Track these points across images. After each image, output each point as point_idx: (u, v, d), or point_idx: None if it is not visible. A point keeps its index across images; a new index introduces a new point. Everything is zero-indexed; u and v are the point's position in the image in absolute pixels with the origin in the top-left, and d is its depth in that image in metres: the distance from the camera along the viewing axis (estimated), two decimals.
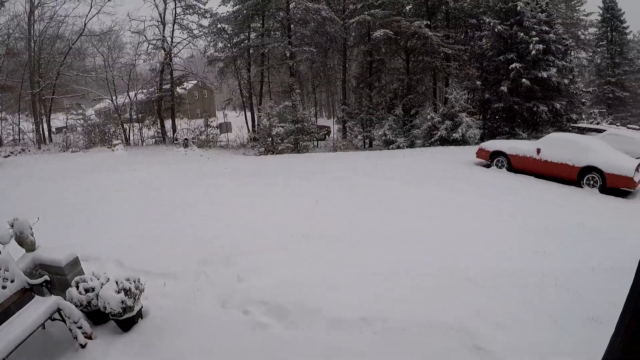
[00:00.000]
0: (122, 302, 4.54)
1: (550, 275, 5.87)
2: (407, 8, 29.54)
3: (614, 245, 7.64)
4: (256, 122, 30.23)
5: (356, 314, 4.84)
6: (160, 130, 31.00)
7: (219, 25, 30.96)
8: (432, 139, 24.44)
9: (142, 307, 4.91)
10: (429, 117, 25.07)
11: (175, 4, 30.17)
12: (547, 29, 25.63)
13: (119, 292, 4.59)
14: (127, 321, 4.69)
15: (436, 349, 4.31)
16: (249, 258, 6.61)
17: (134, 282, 4.79)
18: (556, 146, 13.94)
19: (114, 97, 30.58)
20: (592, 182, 12.98)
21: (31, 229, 5.17)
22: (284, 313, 4.97)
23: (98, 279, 4.83)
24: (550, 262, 6.54)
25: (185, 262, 6.49)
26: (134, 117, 31.92)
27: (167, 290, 5.66)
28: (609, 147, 13.92)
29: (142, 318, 4.93)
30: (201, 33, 31.49)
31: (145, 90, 31.57)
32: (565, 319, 4.71)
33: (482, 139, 23.81)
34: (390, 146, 25.24)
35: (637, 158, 13.67)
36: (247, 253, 6.82)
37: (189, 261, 6.51)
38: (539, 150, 14.14)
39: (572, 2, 40.58)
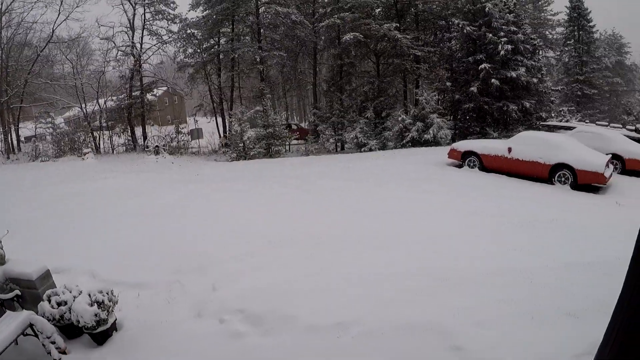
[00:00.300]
0: (96, 315, 4.47)
1: (526, 272, 5.89)
2: (377, 11, 29.61)
3: (588, 240, 7.75)
4: (227, 127, 30.02)
5: (333, 319, 4.80)
6: (130, 138, 30.57)
7: (188, 31, 30.66)
8: (404, 141, 24.52)
9: (116, 319, 4.85)
10: (400, 119, 25.15)
11: (145, 10, 29.77)
12: (515, 29, 25.98)
13: (92, 304, 4.52)
14: (101, 334, 4.62)
15: (415, 350, 4.29)
16: (223, 266, 6.54)
17: (107, 294, 4.73)
18: (527, 144, 14.05)
19: (83, 105, 29.98)
20: (563, 179, 13.13)
21: (0, 242, 5.07)
22: (260, 321, 4.92)
23: (70, 292, 4.76)
24: (525, 259, 6.59)
25: (159, 271, 6.40)
26: (104, 124, 31.41)
27: (141, 301, 5.57)
28: (579, 144, 14.10)
29: (116, 331, 4.86)
30: (171, 39, 31.15)
31: (115, 98, 31.06)
32: (543, 315, 4.70)
33: (453, 140, 23.98)
34: (362, 149, 25.27)
35: (606, 154, 13.88)
36: (222, 261, 6.74)
37: (162, 270, 6.42)
38: (510, 149, 14.23)
39: (540, 3, 41.20)
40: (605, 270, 5.80)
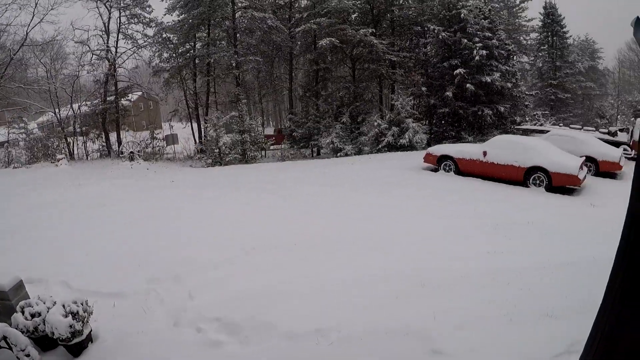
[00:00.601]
0: (71, 326, 4.35)
1: (503, 274, 5.93)
2: (353, 16, 29.71)
3: (564, 241, 7.88)
4: (203, 133, 29.81)
5: (311, 326, 4.76)
6: (105, 144, 30.16)
7: (164, 35, 30.36)
8: (380, 146, 24.58)
9: (91, 330, 4.74)
10: (376, 124, 25.23)
11: (120, 13, 29.36)
12: (490, 35, 26.32)
13: (66, 316, 4.40)
14: (76, 346, 4.51)
15: (394, 355, 4.28)
16: (199, 274, 6.48)
17: (82, 304, 4.61)
18: (502, 148, 14.17)
19: (57, 110, 29.48)
20: (538, 182, 13.26)
21: None
22: (238, 329, 4.86)
23: (44, 303, 4.63)
24: (502, 261, 6.65)
25: (134, 280, 6.30)
26: (78, 130, 30.94)
27: (117, 310, 5.45)
28: (553, 147, 14.24)
29: (92, 342, 4.75)
30: (146, 43, 30.78)
31: (89, 103, 30.53)
32: (522, 316, 4.73)
33: (429, 144, 24.16)
34: (338, 154, 25.24)
35: (580, 156, 14.06)
36: (198, 268, 6.68)
37: (138, 279, 6.33)
38: (485, 153, 14.33)
39: (514, 9, 41.72)
40: (583, 271, 5.87)
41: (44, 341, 4.58)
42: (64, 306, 4.47)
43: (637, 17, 1.61)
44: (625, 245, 1.38)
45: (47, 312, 4.49)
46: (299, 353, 4.41)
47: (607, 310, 1.52)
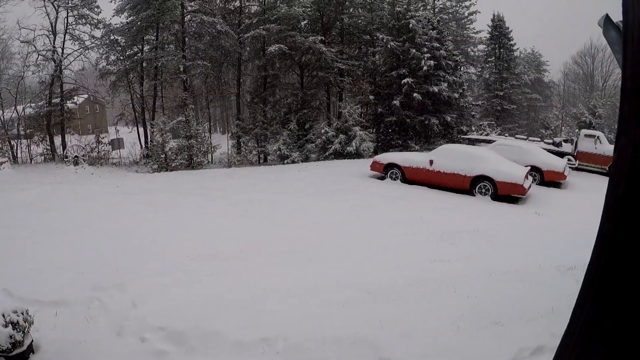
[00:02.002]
0: (11, 336, 4.18)
1: (449, 282, 5.98)
2: (303, 24, 29.80)
3: (510, 249, 8.02)
4: (149, 138, 29.34)
5: (257, 335, 4.71)
6: (49, 147, 29.31)
7: (112, 37, 29.60)
8: (327, 153, 24.70)
9: (32, 340, 4.53)
10: (323, 131, 25.34)
11: (68, 13, 28.57)
12: (438, 45, 26.94)
13: (6, 325, 4.20)
14: (17, 357, 4.32)
15: None
16: (144, 281, 6.33)
17: (22, 314, 4.40)
18: (448, 157, 14.44)
19: (0, 111, 28.67)
20: (484, 191, 13.56)
21: None
22: (183, 338, 4.75)
23: None
24: (448, 268, 6.70)
25: (77, 288, 6.08)
26: (22, 133, 30.02)
27: (59, 320, 5.22)
28: (498, 156, 14.63)
29: (33, 353, 4.55)
30: (93, 44, 30.00)
31: (33, 104, 29.66)
32: (468, 324, 4.77)
33: (375, 152, 24.42)
34: (285, 161, 25.23)
35: (525, 166, 14.44)
36: (142, 276, 6.53)
37: (81, 287, 6.10)
38: (431, 162, 14.56)
39: (463, 21, 42.63)
40: (529, 278, 6.02)
41: None
42: (3, 316, 4.29)
43: (606, 15, 1.62)
44: (597, 265, 1.34)
45: None
46: None
47: (577, 326, 1.46)
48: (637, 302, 1.10)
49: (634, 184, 1.10)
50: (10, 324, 4.29)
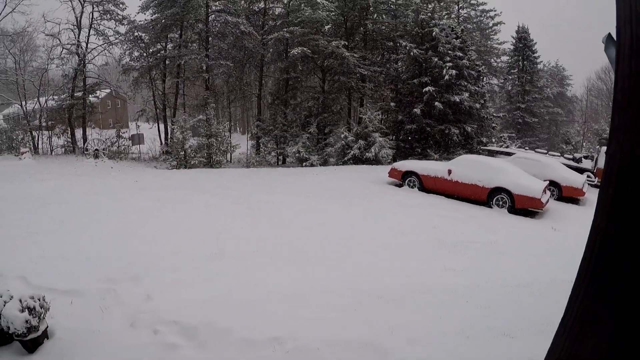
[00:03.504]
0: (27, 321, 4.25)
1: (461, 291, 5.99)
2: (326, 27, 29.80)
3: (524, 262, 7.98)
4: (169, 135, 29.50)
5: (268, 334, 4.72)
6: (70, 140, 29.61)
7: (136, 33, 29.96)
8: (346, 158, 24.61)
9: (47, 326, 4.61)
10: (342, 136, 25.29)
11: (93, 8, 28.92)
12: (461, 54, 26.74)
13: (23, 310, 4.29)
14: (32, 342, 4.40)
15: None
16: (158, 276, 6.40)
17: (39, 300, 4.49)
18: (467, 167, 14.31)
19: (23, 103, 28.93)
20: (501, 203, 13.39)
21: None
22: (194, 333, 4.80)
23: (1, 297, 4.47)
24: (461, 278, 6.70)
25: (93, 279, 6.16)
26: (44, 124, 30.34)
27: (74, 309, 5.31)
28: (517, 169, 14.44)
29: (47, 338, 4.63)
30: (117, 40, 30.34)
31: (56, 97, 29.99)
32: (478, 334, 4.75)
33: (394, 159, 24.28)
34: (304, 164, 25.22)
35: (544, 180, 14.26)
36: (157, 271, 6.59)
37: (96, 278, 6.19)
38: (450, 171, 14.42)
39: (487, 31, 42.41)
40: (541, 292, 5.94)
41: None
42: (20, 301, 4.37)
43: (609, 33, 1.67)
44: (590, 254, 1.48)
45: (4, 306, 4.40)
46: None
47: (566, 329, 1.59)
48: (626, 287, 1.21)
49: (622, 185, 1.25)
50: (26, 309, 4.34)
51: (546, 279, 6.43)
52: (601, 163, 19.70)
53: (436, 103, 25.81)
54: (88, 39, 29.20)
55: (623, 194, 1.25)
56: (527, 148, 27.44)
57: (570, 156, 22.33)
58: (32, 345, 4.46)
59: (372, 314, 5.30)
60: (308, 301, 5.66)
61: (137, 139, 30.13)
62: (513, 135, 35.80)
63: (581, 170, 18.83)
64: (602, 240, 1.37)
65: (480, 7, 41.41)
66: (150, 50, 30.92)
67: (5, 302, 4.45)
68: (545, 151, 24.20)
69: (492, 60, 42.93)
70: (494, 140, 29.89)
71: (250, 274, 6.69)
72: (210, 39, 29.42)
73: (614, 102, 1.30)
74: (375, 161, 23.95)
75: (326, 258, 7.61)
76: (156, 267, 6.78)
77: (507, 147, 29.08)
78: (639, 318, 1.15)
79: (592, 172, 19.33)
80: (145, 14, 29.79)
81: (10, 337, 4.44)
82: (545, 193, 13.30)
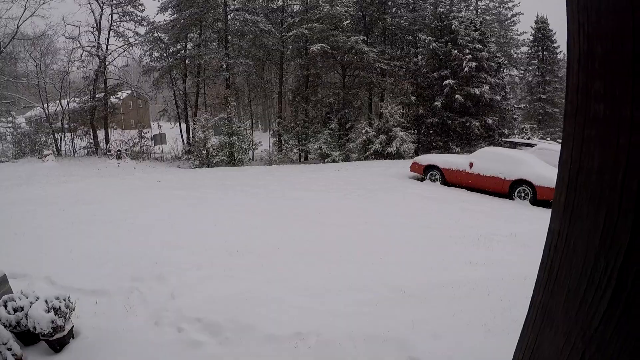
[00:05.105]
0: (52, 321, 4.29)
1: (483, 284, 5.90)
2: (345, 23, 29.73)
3: None
4: (191, 134, 29.73)
5: (291, 329, 4.73)
6: (92, 141, 29.96)
7: (155, 34, 30.26)
8: (367, 153, 24.64)
9: (73, 326, 4.65)
10: (364, 131, 25.31)
11: (112, 10, 29.25)
12: (480, 47, 26.50)
13: (48, 311, 4.32)
14: (58, 341, 4.42)
15: None
16: (182, 274, 6.42)
17: (64, 300, 4.54)
18: (488, 160, 14.20)
19: (45, 105, 29.32)
20: (523, 195, 13.24)
21: None
22: (218, 330, 4.81)
23: (27, 298, 4.55)
24: (482, 272, 6.59)
25: (117, 278, 6.21)
26: (66, 126, 30.72)
27: (99, 308, 5.36)
28: (539, 161, 14.25)
29: (73, 338, 4.66)
30: (137, 41, 30.69)
31: (78, 99, 30.37)
32: (500, 327, 4.70)
33: (416, 153, 24.28)
34: (326, 160, 25.28)
35: None
36: (181, 269, 6.61)
37: (121, 278, 6.24)
38: (471, 164, 14.36)
39: (506, 22, 41.99)
40: None
41: (25, 336, 4.53)
42: (46, 301, 4.41)
43: None
44: (547, 255, 1.58)
45: (30, 306, 4.44)
46: (279, 355, 4.40)
47: (530, 323, 1.70)
48: (577, 283, 1.27)
49: (571, 191, 1.32)
50: (52, 310, 4.39)
51: None
52: None
53: (457, 96, 25.69)
54: (108, 40, 29.56)
55: (572, 199, 1.32)
56: (549, 139, 27.02)
57: None
58: (58, 345, 4.50)
59: (394, 309, 5.26)
60: (331, 296, 5.65)
61: (159, 139, 30.41)
62: (535, 126, 35.31)
63: None
64: (557, 241, 1.46)
65: None
66: (170, 50, 31.15)
67: (31, 303, 4.50)
68: None
69: (512, 51, 42.51)
70: (515, 132, 29.55)
71: (273, 270, 6.69)
72: (229, 37, 29.58)
73: (565, 112, 1.35)
74: (397, 156, 23.94)
75: (347, 253, 7.56)
76: (180, 265, 6.81)
77: (528, 138, 28.77)
78: (589, 312, 1.19)
79: None
80: (164, 14, 30.08)
81: (37, 337, 4.49)
82: None
